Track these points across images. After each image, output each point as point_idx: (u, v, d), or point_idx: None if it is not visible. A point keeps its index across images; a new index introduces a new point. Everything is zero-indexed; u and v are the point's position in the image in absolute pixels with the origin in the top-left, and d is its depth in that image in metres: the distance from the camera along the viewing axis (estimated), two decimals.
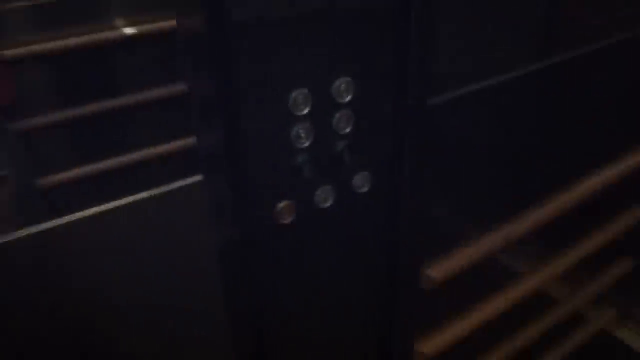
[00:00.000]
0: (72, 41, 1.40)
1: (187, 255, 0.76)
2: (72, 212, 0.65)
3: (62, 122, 1.39)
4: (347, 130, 0.80)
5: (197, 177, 0.69)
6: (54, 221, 0.64)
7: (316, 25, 0.70)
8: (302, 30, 0.70)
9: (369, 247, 0.92)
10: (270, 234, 0.81)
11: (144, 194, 0.69)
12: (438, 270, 1.06)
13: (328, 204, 0.84)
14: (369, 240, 0.92)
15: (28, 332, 0.72)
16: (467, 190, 1.02)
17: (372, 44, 0.77)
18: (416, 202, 0.92)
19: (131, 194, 0.67)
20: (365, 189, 0.86)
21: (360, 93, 0.78)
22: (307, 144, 0.77)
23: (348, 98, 0.78)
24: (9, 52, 1.34)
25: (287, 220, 0.81)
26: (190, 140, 1.20)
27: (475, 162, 1.01)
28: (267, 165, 0.77)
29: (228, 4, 0.63)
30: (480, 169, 1.02)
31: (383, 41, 0.77)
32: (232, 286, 0.81)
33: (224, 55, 0.66)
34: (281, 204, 0.80)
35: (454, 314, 1.03)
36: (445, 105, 0.90)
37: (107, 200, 0.67)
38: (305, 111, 0.75)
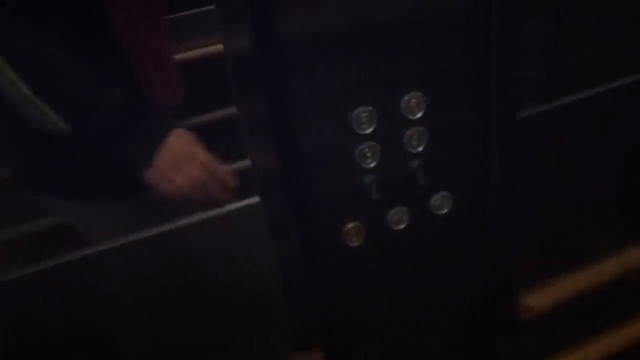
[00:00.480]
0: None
1: (249, 279, 0.74)
2: None
3: None
4: (420, 148, 0.73)
5: (255, 199, 0.67)
6: (115, 241, 0.66)
7: (375, 36, 0.65)
8: (360, 44, 0.65)
9: (450, 273, 0.84)
10: (338, 256, 0.77)
11: (202, 216, 0.68)
12: (540, 299, 0.95)
13: (402, 226, 0.78)
14: (450, 266, 0.84)
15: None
16: (563, 211, 0.90)
17: (445, 52, 0.70)
18: (504, 224, 0.82)
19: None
20: (444, 211, 0.79)
21: (433, 108, 0.71)
22: (373, 164, 0.72)
23: (419, 114, 0.71)
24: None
25: (356, 242, 0.77)
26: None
27: (572, 180, 0.88)
28: (330, 187, 0.72)
29: (277, 21, 0.60)
30: (579, 189, 0.89)
31: (457, 47, 0.70)
32: (297, 312, 0.78)
33: (275, 74, 0.63)
34: (349, 226, 0.76)
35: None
36: (537, 118, 0.79)
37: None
38: (370, 130, 0.69)
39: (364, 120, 0.69)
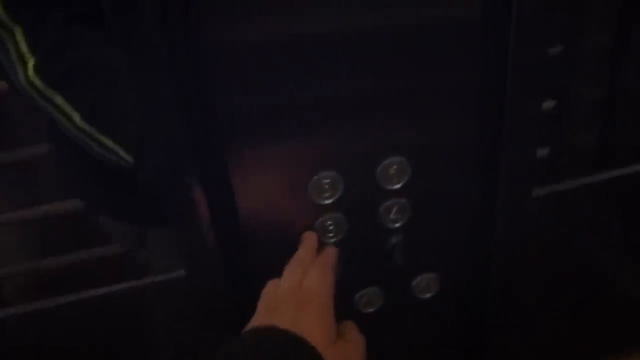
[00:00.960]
0: None
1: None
2: None
3: None
4: (398, 224, 0.59)
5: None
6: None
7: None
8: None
9: None
10: None
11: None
12: None
13: (372, 310, 0.64)
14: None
15: None
16: (578, 310, 0.73)
17: (437, 107, 0.54)
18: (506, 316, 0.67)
19: None
20: (428, 295, 0.64)
21: (416, 178, 0.56)
22: (337, 238, 0.58)
23: (398, 185, 0.56)
24: None
25: None
26: None
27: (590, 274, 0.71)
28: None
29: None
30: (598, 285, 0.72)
31: (456, 101, 0.54)
32: None
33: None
34: None
35: None
36: (558, 197, 0.62)
37: None
38: (331, 200, 0.55)
39: (325, 188, 0.55)
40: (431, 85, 0.53)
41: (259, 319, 0.46)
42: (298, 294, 0.47)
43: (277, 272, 0.53)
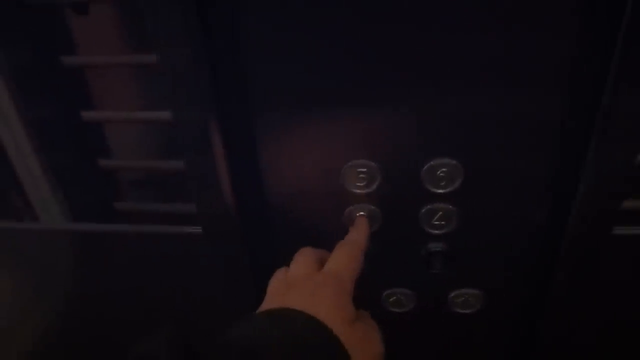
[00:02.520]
0: None
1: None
2: None
3: None
4: (440, 231, 0.52)
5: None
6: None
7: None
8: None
9: None
10: None
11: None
12: None
13: (399, 310, 0.59)
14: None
15: None
16: None
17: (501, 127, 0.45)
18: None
19: None
20: (473, 310, 0.58)
21: (469, 186, 0.48)
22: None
23: (447, 189, 0.49)
24: None
25: None
26: None
27: None
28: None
29: None
30: None
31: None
32: None
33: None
34: None
35: None
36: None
37: None
38: (365, 190, 0.50)
39: (361, 177, 0.49)
40: (502, 88, 0.43)
41: (269, 303, 0.43)
42: (315, 278, 0.43)
43: (296, 243, 0.49)
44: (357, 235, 0.48)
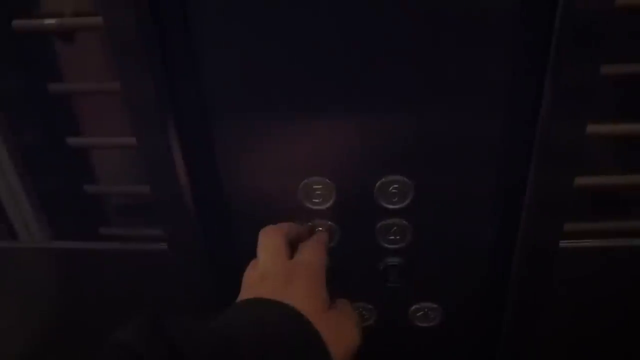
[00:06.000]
0: None
1: None
2: None
3: None
4: (396, 246, 0.54)
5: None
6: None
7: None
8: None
9: None
10: None
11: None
12: None
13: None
14: None
15: None
16: None
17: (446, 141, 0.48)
18: None
19: None
20: (433, 323, 0.59)
21: (419, 201, 0.51)
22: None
23: (399, 205, 0.51)
24: None
25: None
26: None
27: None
28: None
29: None
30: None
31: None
32: None
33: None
34: None
35: None
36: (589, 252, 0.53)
37: None
38: (322, 207, 0.52)
39: (317, 193, 0.51)
40: (450, 104, 0.46)
41: (244, 295, 0.44)
42: (287, 268, 0.44)
43: None
44: (318, 236, 0.51)
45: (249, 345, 0.37)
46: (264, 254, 0.46)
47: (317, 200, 0.51)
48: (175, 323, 0.37)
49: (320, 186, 0.51)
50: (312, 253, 0.46)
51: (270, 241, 0.47)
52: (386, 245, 0.53)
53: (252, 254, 0.56)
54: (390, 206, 0.51)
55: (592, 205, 0.56)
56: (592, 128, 0.45)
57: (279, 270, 0.44)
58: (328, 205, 0.51)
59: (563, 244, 0.51)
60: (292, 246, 0.47)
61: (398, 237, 0.53)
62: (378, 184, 0.50)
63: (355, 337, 0.43)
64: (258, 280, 0.44)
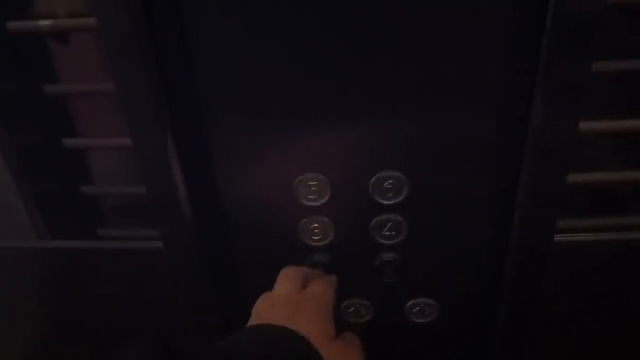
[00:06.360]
0: None
1: None
2: None
3: None
4: (391, 241, 0.54)
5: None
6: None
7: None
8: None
9: None
10: None
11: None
12: None
13: (359, 320, 0.61)
14: None
15: None
16: None
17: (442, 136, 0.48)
18: None
19: None
20: (429, 319, 0.60)
21: (414, 197, 0.51)
22: (324, 241, 0.55)
23: (394, 201, 0.51)
24: None
25: None
26: None
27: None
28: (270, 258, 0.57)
29: None
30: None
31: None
32: None
33: None
34: None
35: None
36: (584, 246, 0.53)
37: None
38: (317, 203, 0.52)
39: (312, 190, 0.52)
40: (444, 101, 0.46)
41: (253, 322, 0.45)
42: (296, 298, 0.46)
43: (255, 255, 0.53)
44: (328, 276, 0.53)
45: None
46: (278, 287, 0.49)
47: (312, 197, 0.52)
48: (180, 343, 0.38)
49: (315, 182, 0.51)
50: (322, 288, 0.48)
51: (285, 279, 0.49)
52: (381, 241, 0.54)
53: (248, 251, 0.57)
54: (385, 202, 0.51)
55: (586, 201, 0.57)
56: (584, 125, 0.45)
57: (290, 301, 0.46)
58: (323, 201, 0.52)
59: (558, 237, 0.51)
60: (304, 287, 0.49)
61: (393, 233, 0.53)
62: (373, 179, 0.50)
63: None
64: (269, 308, 0.46)
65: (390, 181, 0.50)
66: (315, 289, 0.48)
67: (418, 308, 0.59)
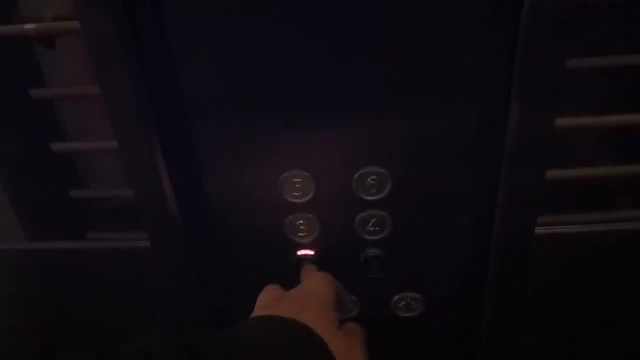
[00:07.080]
0: None
1: None
2: None
3: None
4: (376, 237, 0.55)
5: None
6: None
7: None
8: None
9: None
10: None
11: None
12: None
13: (346, 316, 0.61)
14: None
15: None
16: None
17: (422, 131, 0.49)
18: None
19: None
20: (415, 313, 0.61)
21: (397, 193, 0.52)
22: (310, 238, 0.56)
23: (377, 197, 0.52)
24: None
25: None
26: None
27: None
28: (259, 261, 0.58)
29: None
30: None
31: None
32: None
33: None
34: None
35: None
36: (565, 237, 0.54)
37: None
38: (302, 200, 0.53)
39: (297, 187, 0.52)
40: (424, 98, 0.47)
41: (256, 314, 0.46)
42: (301, 295, 0.48)
43: (241, 254, 0.54)
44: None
45: (264, 353, 0.39)
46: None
47: (297, 194, 0.52)
48: (191, 331, 0.39)
49: (299, 179, 0.52)
50: (323, 284, 0.50)
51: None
52: (366, 236, 0.55)
53: (235, 249, 0.58)
54: (369, 197, 0.52)
55: (568, 195, 0.58)
56: (560, 122, 0.46)
57: (295, 295, 0.48)
58: (308, 198, 0.53)
59: (539, 230, 0.52)
60: None
61: (377, 229, 0.54)
62: (356, 175, 0.51)
63: (363, 356, 0.46)
64: (274, 302, 0.47)
65: (374, 177, 0.51)
66: (315, 283, 0.50)
67: (404, 302, 0.60)
